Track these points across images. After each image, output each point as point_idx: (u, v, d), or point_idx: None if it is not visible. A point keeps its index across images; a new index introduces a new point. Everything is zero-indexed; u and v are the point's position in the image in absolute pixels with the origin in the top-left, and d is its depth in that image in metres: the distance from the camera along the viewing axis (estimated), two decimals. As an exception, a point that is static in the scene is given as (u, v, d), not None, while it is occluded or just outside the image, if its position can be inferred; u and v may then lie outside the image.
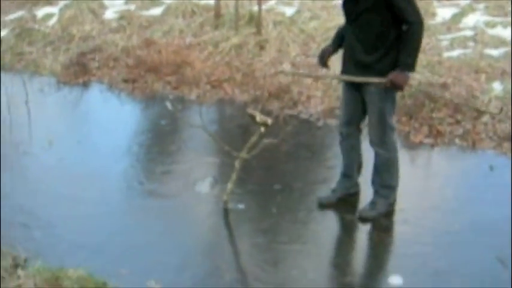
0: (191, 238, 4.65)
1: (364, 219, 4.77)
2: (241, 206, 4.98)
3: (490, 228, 4.74)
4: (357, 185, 5.01)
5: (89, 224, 4.77)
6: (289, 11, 9.23)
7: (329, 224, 4.83)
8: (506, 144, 5.90)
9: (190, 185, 5.30)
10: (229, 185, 4.84)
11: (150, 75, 7.47)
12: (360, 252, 4.60)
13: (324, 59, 4.74)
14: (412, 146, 5.95)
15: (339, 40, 4.68)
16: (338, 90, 6.90)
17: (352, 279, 4.18)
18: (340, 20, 8.20)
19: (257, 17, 8.00)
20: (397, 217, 4.89)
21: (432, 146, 5.96)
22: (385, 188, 4.79)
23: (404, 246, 4.55)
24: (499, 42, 7.87)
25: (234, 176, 4.79)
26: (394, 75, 4.32)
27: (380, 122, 4.53)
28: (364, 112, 4.68)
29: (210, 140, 6.00)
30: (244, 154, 4.75)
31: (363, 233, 4.74)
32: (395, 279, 4.13)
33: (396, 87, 4.37)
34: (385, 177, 4.74)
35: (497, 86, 6.70)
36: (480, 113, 6.20)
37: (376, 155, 4.69)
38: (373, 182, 4.83)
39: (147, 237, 4.59)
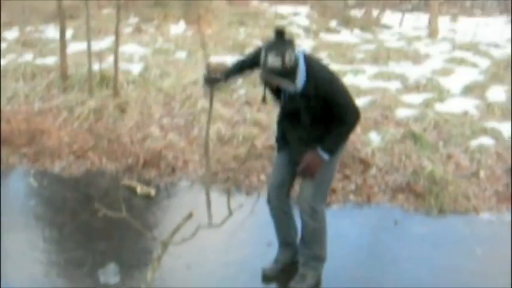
0: None
1: None
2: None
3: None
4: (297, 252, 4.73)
5: None
6: (135, 68, 8.81)
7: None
8: (401, 196, 5.89)
9: (94, 277, 4.68)
10: (149, 274, 4.31)
11: (4, 148, 6.69)
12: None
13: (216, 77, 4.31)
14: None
15: (236, 72, 4.40)
16: (216, 152, 6.60)
17: None
18: (191, 74, 8.03)
19: (114, 77, 7.47)
20: (325, 288, 4.65)
21: (328, 204, 5.77)
22: (315, 259, 4.55)
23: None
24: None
25: (156, 264, 4.27)
26: (312, 157, 4.14)
27: (317, 192, 4.31)
28: (293, 179, 4.47)
29: (90, 220, 5.47)
30: (168, 239, 4.24)
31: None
32: None
33: (308, 167, 4.17)
34: (315, 248, 4.50)
35: (374, 137, 6.72)
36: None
37: (305, 226, 4.44)
38: (302, 254, 4.56)
39: None
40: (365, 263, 4.80)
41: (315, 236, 4.46)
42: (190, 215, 4.10)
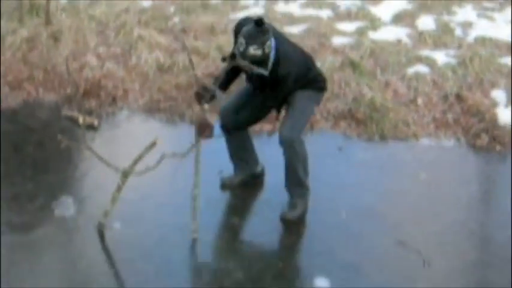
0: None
1: (288, 221, 4.69)
2: (117, 225, 4.48)
3: (370, 213, 4.81)
4: (258, 164, 5.05)
5: None
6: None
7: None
8: (343, 123, 6.02)
9: (48, 210, 4.64)
10: (110, 205, 4.31)
11: None
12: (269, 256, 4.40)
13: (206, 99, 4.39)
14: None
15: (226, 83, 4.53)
16: (156, 81, 6.54)
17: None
18: (122, 1, 7.83)
19: (46, 4, 7.19)
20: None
21: (270, 132, 5.83)
22: (301, 187, 4.73)
23: (303, 242, 4.47)
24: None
25: (116, 195, 4.26)
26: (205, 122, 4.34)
27: (295, 124, 4.52)
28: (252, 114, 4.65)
29: (34, 152, 5.38)
30: (129, 169, 4.22)
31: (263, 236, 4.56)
32: (321, 282, 4.02)
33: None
34: (300, 176, 4.68)
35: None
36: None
37: (287, 156, 4.60)
38: (288, 184, 4.75)
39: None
40: (314, 190, 4.86)
41: (295, 166, 4.62)
42: (153, 144, 4.08)
